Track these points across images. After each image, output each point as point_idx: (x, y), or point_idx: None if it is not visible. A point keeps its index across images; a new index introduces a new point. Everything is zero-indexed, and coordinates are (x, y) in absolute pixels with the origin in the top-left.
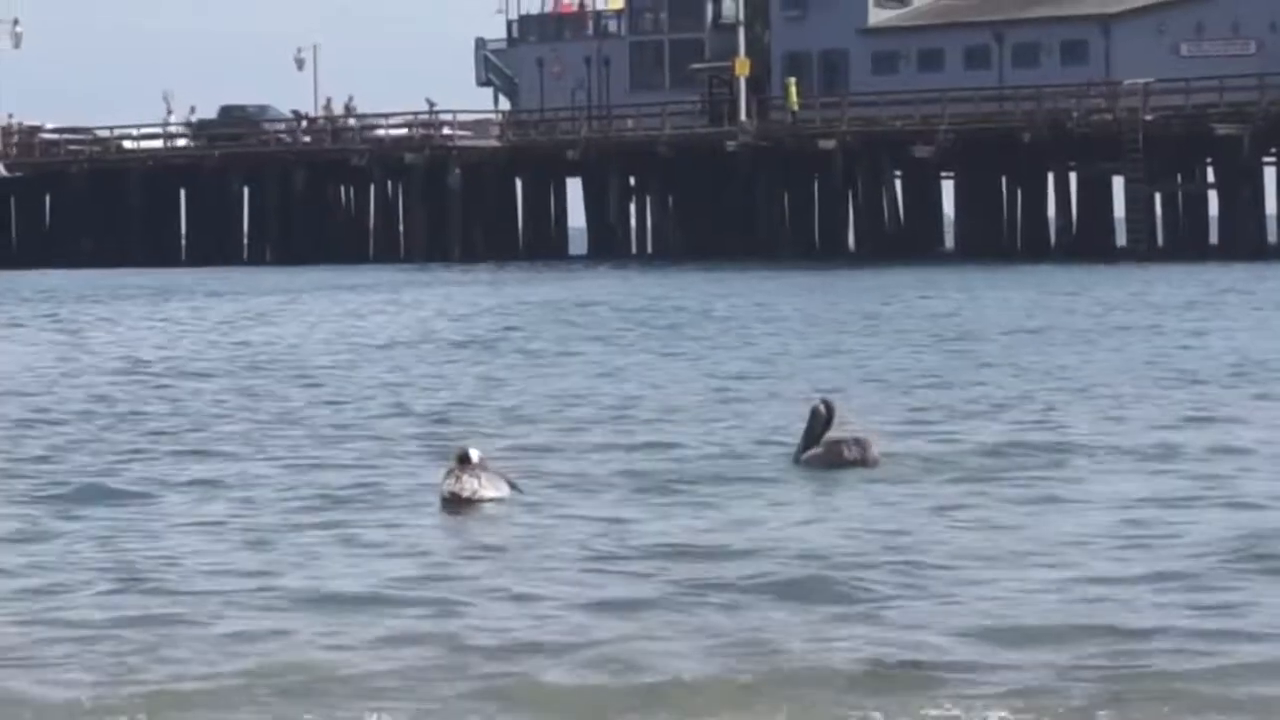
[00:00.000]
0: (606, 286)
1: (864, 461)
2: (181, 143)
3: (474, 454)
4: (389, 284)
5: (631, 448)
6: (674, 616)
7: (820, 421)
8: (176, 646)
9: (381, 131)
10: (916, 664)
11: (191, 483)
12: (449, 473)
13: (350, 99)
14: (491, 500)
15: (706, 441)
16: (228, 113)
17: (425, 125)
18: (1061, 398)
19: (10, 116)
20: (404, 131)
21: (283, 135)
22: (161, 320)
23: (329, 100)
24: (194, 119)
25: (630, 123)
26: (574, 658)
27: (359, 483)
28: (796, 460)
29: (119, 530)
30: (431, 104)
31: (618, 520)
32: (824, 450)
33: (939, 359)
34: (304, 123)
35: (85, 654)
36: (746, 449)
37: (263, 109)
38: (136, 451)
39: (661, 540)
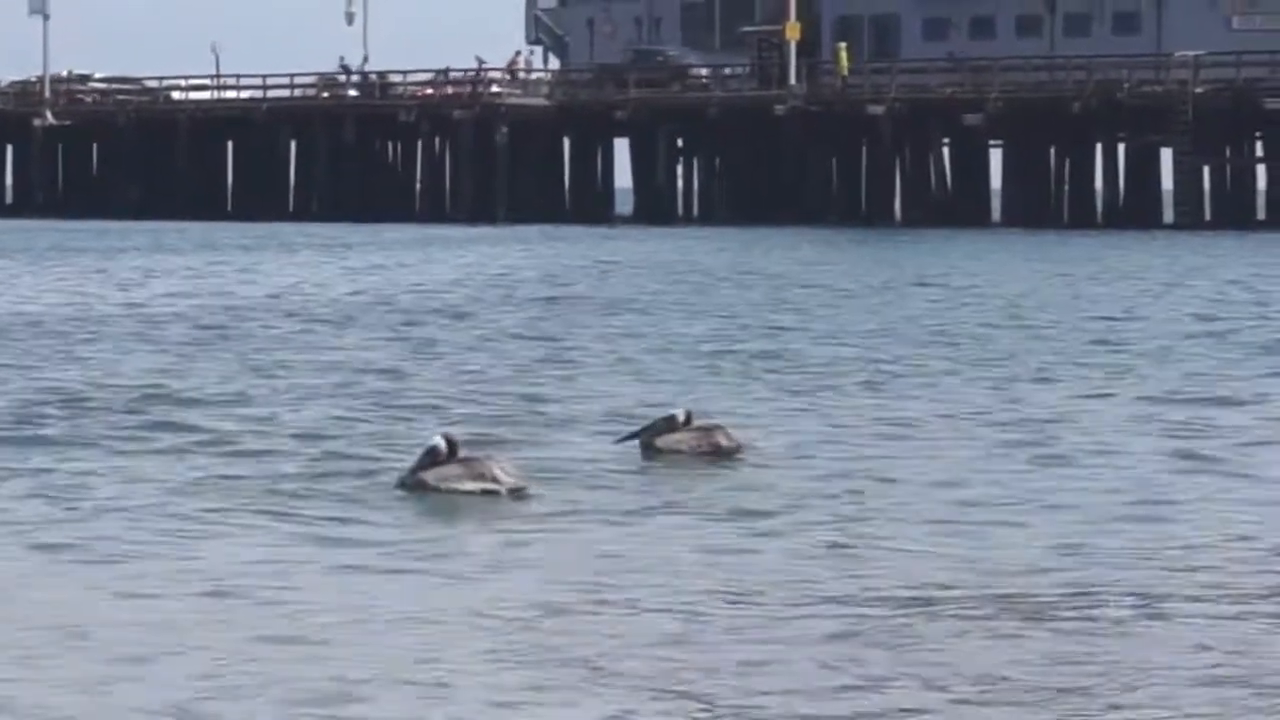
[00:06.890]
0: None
1: (739, 449)
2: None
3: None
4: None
5: None
6: None
7: (671, 425)
8: None
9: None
10: None
11: None
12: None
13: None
14: None
15: None
16: (644, 57)
17: (473, 82)
18: None
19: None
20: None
21: (705, 80)
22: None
23: (517, 54)
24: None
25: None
26: None
27: None
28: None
29: None
30: (481, 61)
31: None
32: (693, 437)
33: None
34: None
35: None
36: None
37: (684, 52)
38: None
39: None
